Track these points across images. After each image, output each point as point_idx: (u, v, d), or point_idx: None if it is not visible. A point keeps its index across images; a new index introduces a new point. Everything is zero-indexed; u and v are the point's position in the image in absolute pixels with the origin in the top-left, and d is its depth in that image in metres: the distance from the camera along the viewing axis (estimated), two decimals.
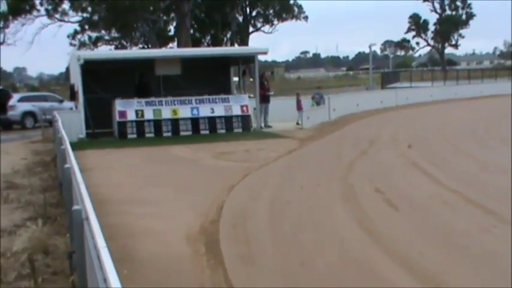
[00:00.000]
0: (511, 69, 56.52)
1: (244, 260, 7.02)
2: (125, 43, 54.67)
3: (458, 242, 7.54)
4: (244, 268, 6.77)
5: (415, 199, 10.18)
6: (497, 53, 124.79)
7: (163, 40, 54.38)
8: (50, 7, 47.12)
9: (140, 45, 55.00)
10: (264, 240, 7.89)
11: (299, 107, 24.11)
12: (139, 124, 20.78)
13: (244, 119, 21.86)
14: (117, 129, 20.81)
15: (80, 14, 48.94)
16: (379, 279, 6.25)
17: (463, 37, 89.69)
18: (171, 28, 56.52)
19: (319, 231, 8.24)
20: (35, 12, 46.81)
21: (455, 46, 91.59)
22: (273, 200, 10.35)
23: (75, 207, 4.86)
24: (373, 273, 6.44)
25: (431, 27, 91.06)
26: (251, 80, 34.14)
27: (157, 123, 20.93)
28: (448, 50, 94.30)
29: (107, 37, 53.43)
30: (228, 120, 21.56)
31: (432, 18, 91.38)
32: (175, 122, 21.11)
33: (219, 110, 21.58)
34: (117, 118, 20.58)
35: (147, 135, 20.72)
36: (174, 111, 21.18)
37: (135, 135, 20.59)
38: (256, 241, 7.83)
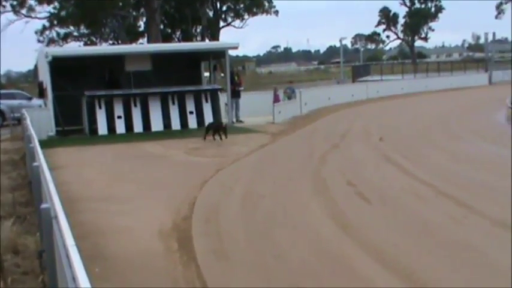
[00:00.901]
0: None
1: (217, 256, 6.98)
2: (94, 39, 54.13)
3: (431, 234, 7.59)
4: (218, 264, 6.73)
5: (388, 192, 10.23)
6: (466, 45, 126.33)
7: (133, 36, 53.96)
8: (15, 2, 46.39)
9: (110, 41, 54.53)
10: (237, 235, 7.86)
11: (276, 101, 24.24)
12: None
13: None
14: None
15: (47, 9, 48.32)
16: (352, 272, 6.27)
17: (432, 30, 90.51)
18: (141, 24, 56.15)
19: (292, 225, 8.24)
20: (0, 8, 46.06)
21: (425, 39, 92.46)
22: (246, 195, 10.33)
23: (44, 205, 4.76)
24: (346, 266, 6.45)
25: (401, 21, 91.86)
26: (222, 75, 34.07)
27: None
28: (418, 43, 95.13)
29: (75, 33, 52.87)
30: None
31: (402, 11, 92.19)
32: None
33: (189, 88, 21.98)
34: (87, 93, 20.46)
35: (118, 129, 20.54)
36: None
37: (105, 131, 20.41)
38: (229, 236, 7.79)
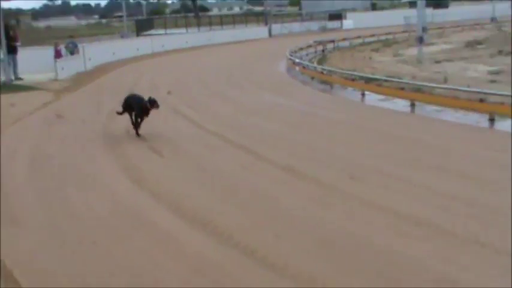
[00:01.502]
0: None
1: (6, 221, 6.62)
2: None
3: (223, 181, 7.88)
4: (8, 229, 6.38)
5: (179, 144, 10.39)
6: None
7: None
8: None
9: None
10: (27, 198, 7.52)
11: (58, 57, 23.17)
12: None
13: None
14: None
15: None
16: (150, 224, 6.32)
17: None
18: None
19: (85, 184, 8.06)
20: None
21: None
22: (33, 156, 9.89)
23: None
24: (144, 220, 6.48)
25: None
26: None
27: None
28: None
29: None
30: None
31: None
32: None
33: None
34: None
35: None
36: None
37: None
38: (19, 200, 7.43)
